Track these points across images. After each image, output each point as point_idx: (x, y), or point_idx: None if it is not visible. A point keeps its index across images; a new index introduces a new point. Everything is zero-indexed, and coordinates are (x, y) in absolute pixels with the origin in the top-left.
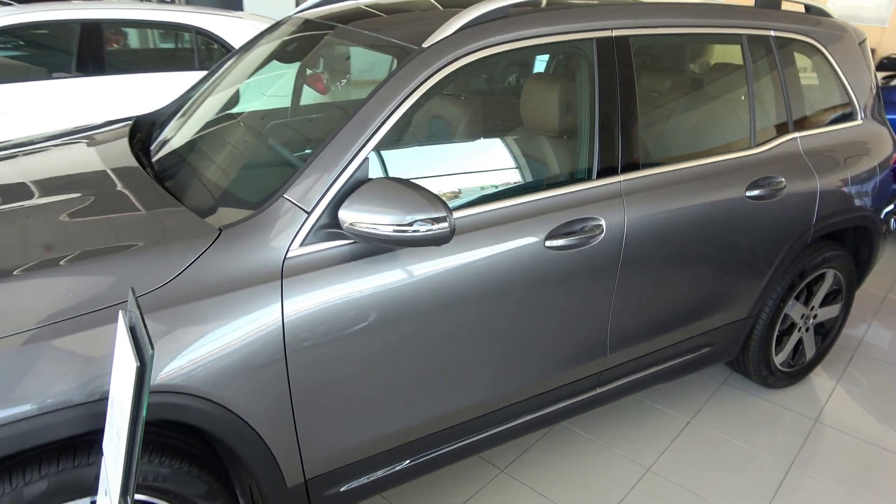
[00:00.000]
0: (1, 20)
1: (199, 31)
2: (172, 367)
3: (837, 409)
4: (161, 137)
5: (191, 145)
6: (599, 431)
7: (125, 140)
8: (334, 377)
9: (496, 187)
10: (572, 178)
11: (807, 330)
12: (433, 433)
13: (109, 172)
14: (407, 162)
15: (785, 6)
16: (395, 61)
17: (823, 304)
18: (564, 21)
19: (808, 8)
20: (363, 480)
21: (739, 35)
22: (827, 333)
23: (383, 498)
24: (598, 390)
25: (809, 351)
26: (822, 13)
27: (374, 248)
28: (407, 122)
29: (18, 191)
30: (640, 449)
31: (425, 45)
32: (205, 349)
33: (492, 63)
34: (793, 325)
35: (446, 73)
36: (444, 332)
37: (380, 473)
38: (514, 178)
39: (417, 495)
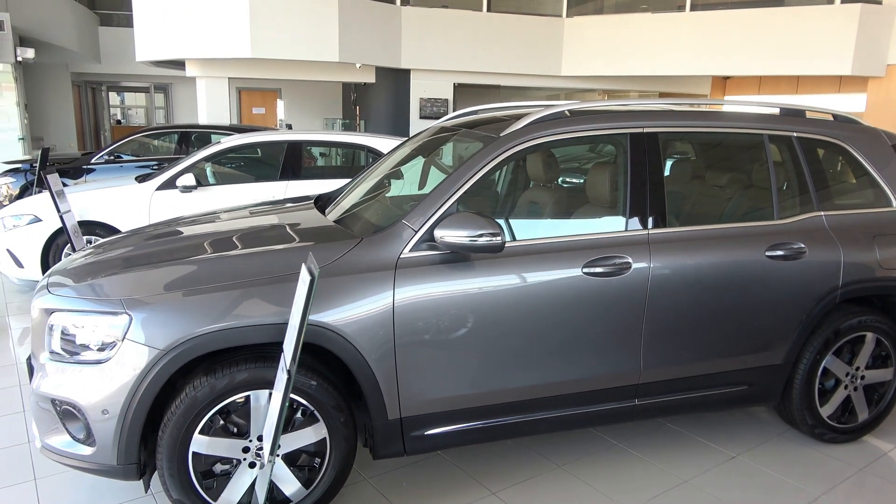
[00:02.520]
0: (230, 143)
1: (370, 150)
2: (327, 313)
3: (887, 465)
4: (334, 201)
5: (350, 201)
6: (648, 450)
7: (312, 204)
8: (423, 341)
9: (550, 227)
10: (609, 228)
11: (854, 389)
12: (496, 404)
13: (305, 216)
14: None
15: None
16: (482, 145)
17: (873, 367)
18: (606, 121)
19: (835, 116)
20: (443, 430)
21: (761, 135)
22: (881, 398)
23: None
24: (637, 402)
25: (861, 411)
26: (849, 121)
27: (456, 257)
28: (492, 181)
29: (262, 221)
30: (683, 467)
31: (501, 134)
32: (347, 305)
33: (554, 146)
34: (838, 381)
35: (513, 152)
36: (503, 323)
37: (456, 427)
38: (563, 223)
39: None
